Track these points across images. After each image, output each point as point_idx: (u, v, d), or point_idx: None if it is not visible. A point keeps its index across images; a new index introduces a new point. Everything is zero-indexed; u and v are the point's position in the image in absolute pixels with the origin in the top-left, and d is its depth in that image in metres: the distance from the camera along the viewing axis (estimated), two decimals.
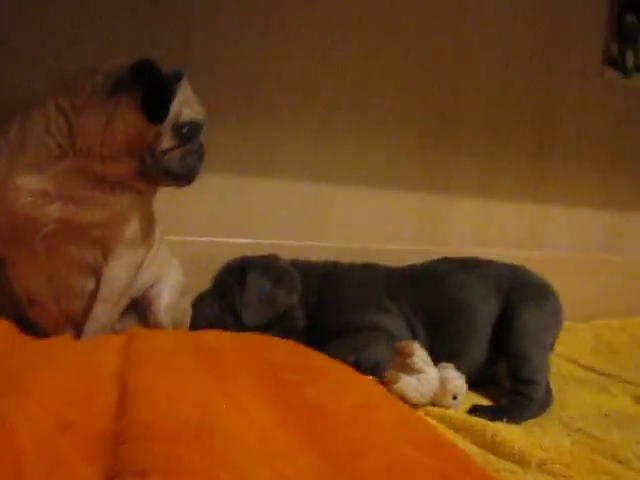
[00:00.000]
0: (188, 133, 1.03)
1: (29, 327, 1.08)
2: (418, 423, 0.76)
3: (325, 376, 0.82)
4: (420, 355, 1.14)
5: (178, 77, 1.02)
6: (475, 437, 1.00)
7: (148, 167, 1.01)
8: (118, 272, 1.07)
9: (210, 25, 1.41)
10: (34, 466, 0.56)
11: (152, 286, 1.19)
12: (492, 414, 1.12)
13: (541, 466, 0.90)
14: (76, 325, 1.08)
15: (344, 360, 1.12)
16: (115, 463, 0.55)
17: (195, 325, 1.26)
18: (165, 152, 1.01)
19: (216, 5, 1.41)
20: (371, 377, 1.08)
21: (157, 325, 1.17)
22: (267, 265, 1.31)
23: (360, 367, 1.10)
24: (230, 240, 1.44)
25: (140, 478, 0.50)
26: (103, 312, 1.07)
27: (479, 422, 1.03)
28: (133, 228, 1.08)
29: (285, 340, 1.01)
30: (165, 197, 1.15)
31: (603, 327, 1.78)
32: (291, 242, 1.47)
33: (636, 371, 1.47)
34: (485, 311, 1.28)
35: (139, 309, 1.19)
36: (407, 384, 1.10)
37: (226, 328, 1.19)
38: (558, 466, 0.90)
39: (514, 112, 1.82)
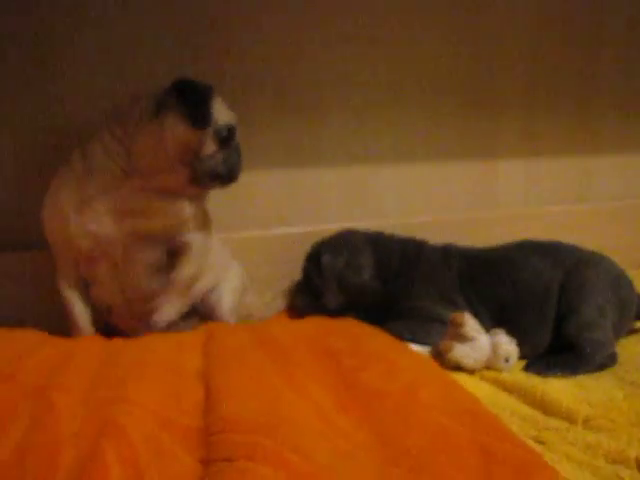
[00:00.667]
0: (227, 136, 1.17)
1: (114, 331, 1.26)
2: (462, 397, 0.86)
3: (379, 359, 0.93)
4: (471, 324, 1.22)
5: (211, 88, 1.17)
6: (526, 397, 1.07)
7: (197, 172, 1.15)
8: (184, 264, 1.22)
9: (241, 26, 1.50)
10: (147, 457, 0.70)
11: (212, 291, 1.32)
12: (546, 366, 1.20)
13: (587, 422, 0.98)
14: (148, 325, 1.23)
15: (400, 336, 1.23)
16: (207, 453, 0.69)
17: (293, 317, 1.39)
18: (210, 156, 1.16)
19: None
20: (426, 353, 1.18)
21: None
22: (337, 245, 1.38)
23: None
24: (282, 231, 1.55)
25: (228, 462, 0.64)
26: (168, 301, 1.22)
27: (530, 383, 1.11)
28: (193, 226, 1.23)
29: (346, 322, 1.13)
30: (223, 199, 1.30)
31: None
32: (342, 224, 1.56)
33: None
34: (554, 297, 1.29)
35: (200, 313, 1.32)
36: (460, 352, 1.19)
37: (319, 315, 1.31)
38: (603, 421, 0.97)
39: (553, 66, 1.80)
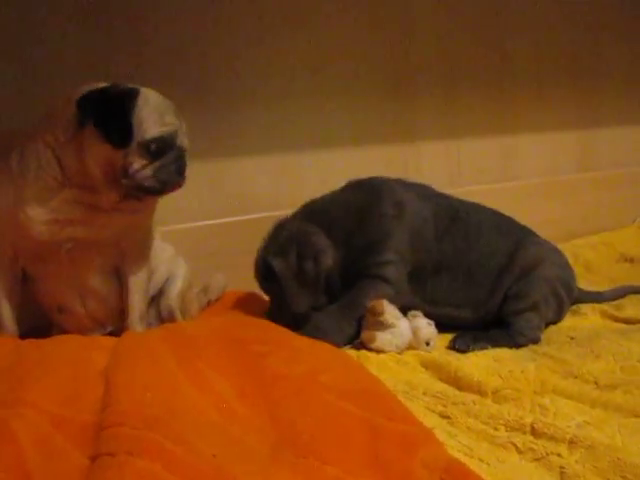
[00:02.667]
0: (157, 149, 1.06)
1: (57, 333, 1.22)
2: (362, 380, 0.87)
3: (285, 346, 0.95)
4: (390, 311, 1.23)
5: (131, 95, 1.05)
6: (441, 373, 1.10)
7: (126, 187, 1.07)
8: (139, 265, 1.20)
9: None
10: (35, 460, 0.69)
11: (165, 281, 1.32)
12: (472, 340, 1.23)
13: (496, 393, 1.01)
14: (100, 325, 1.23)
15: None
16: (96, 447, 0.68)
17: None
18: (137, 170, 1.06)
19: None
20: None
21: (169, 308, 1.31)
22: (282, 245, 1.25)
23: None
24: (209, 222, 1.54)
25: (110, 457, 0.63)
26: (139, 300, 1.20)
27: (445, 360, 1.14)
28: (142, 229, 1.21)
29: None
30: None
31: (583, 245, 1.84)
32: (269, 213, 1.56)
33: (609, 287, 1.54)
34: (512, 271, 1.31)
35: (155, 303, 1.32)
36: (383, 340, 1.20)
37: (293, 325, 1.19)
38: (510, 391, 1.01)
39: (468, 46, 1.84)
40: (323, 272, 1.24)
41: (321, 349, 0.96)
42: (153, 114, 1.07)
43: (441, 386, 1.07)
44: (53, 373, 0.87)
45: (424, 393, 1.03)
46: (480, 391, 1.03)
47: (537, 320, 1.30)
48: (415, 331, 1.23)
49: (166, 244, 1.36)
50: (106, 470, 0.61)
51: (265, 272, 1.27)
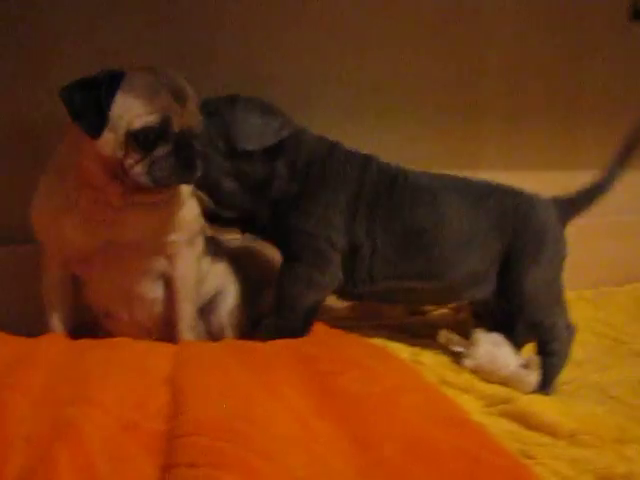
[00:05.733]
0: (145, 141, 0.93)
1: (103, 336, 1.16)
2: (445, 404, 0.81)
3: (357, 364, 0.89)
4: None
5: (111, 81, 0.92)
6: (506, 409, 1.02)
7: (126, 183, 0.97)
8: (187, 270, 1.13)
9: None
10: (103, 463, 0.65)
11: (215, 295, 1.24)
12: None
13: (572, 437, 0.94)
14: (146, 333, 1.17)
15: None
16: (170, 456, 0.63)
17: None
18: (131, 165, 0.94)
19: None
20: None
21: (220, 325, 1.23)
22: (260, 99, 1.16)
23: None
24: None
25: (191, 469, 0.59)
26: (186, 310, 1.13)
27: (510, 395, 1.06)
28: (181, 229, 1.11)
29: (319, 332, 1.08)
30: None
31: None
32: None
33: None
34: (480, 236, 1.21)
35: (203, 317, 1.24)
36: None
37: (217, 158, 1.10)
38: (588, 437, 0.93)
39: (539, 82, 1.81)
40: (280, 136, 1.12)
41: (397, 369, 0.90)
42: (138, 100, 0.93)
43: (507, 425, 0.99)
44: (116, 376, 0.82)
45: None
46: (552, 432, 0.94)
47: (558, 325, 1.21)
48: None
49: (219, 257, 1.29)
50: None
51: (226, 98, 1.12)
